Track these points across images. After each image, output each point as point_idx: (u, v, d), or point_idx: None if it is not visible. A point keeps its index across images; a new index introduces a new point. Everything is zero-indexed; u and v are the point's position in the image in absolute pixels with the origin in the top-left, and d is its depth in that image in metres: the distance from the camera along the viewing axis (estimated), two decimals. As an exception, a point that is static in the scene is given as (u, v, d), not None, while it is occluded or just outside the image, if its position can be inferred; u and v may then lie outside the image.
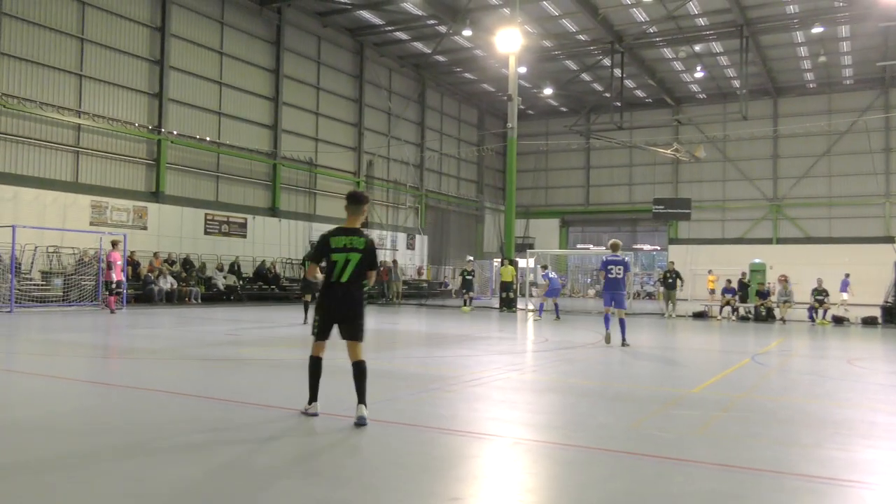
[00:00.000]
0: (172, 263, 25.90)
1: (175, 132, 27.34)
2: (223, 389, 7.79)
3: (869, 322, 21.85)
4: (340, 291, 6.12)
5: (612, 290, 13.58)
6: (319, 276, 6.45)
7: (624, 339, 13.36)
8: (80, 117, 24.37)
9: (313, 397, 6.21)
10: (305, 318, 17.08)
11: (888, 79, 38.32)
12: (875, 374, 10.91)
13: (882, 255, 33.52)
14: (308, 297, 17.28)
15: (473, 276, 27.25)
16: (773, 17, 31.92)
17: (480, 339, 15.10)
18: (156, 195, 26.64)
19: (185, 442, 5.35)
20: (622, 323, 13.51)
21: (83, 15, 24.53)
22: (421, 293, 36.27)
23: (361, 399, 6.00)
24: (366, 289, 6.35)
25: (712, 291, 34.57)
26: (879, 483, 4.75)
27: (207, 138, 28.72)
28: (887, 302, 22.29)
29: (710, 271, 35.90)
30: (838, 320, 22.25)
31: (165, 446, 5.21)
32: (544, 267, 25.40)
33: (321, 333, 6.23)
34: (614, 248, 13.96)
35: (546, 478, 4.79)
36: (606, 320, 13.80)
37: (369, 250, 6.16)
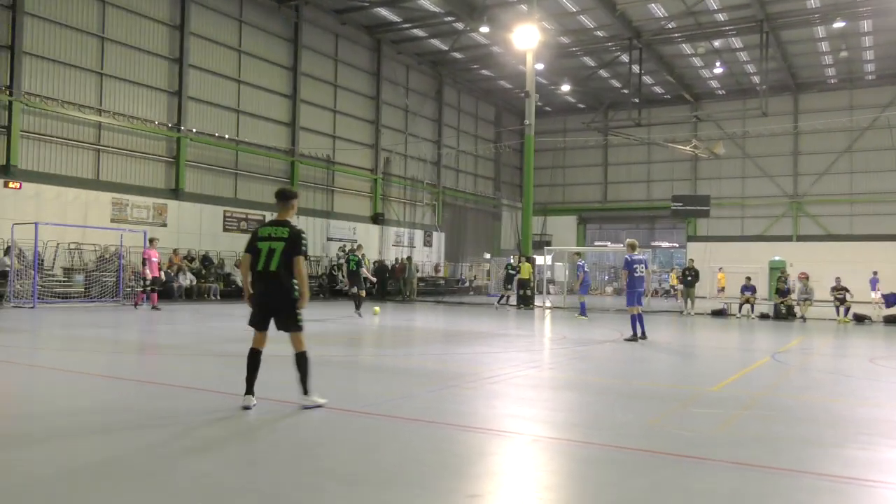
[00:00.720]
0: (192, 260, 26.10)
1: (194, 130, 27.54)
2: (238, 385, 7.82)
3: (891, 321, 21.58)
4: (267, 281, 6.28)
5: (639, 288, 14.02)
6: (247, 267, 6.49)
7: (644, 333, 13.74)
8: (100, 115, 24.61)
9: (248, 389, 6.32)
10: (358, 308, 19.05)
11: (911, 74, 37.81)
12: (898, 373, 10.77)
13: (905, 252, 33.08)
14: (355, 290, 19.29)
15: (517, 272, 26.68)
16: (793, 11, 31.56)
17: (498, 335, 15.09)
18: (175, 192, 26.85)
19: (194, 433, 5.40)
20: (641, 317, 13.82)
21: (104, 14, 24.75)
22: (438, 290, 36.30)
23: (304, 389, 6.30)
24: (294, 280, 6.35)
25: (722, 289, 34.39)
26: (903, 483, 4.69)
27: (226, 136, 28.90)
28: (910, 300, 22.00)
29: (720, 269, 35.62)
30: (859, 318, 22.00)
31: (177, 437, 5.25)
32: (578, 254, 23.61)
33: (254, 324, 6.39)
34: (634, 247, 14.25)
35: (564, 476, 4.78)
36: (639, 320, 13.89)
37: (293, 238, 6.30)
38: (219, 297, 25.50)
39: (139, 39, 25.88)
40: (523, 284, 26.27)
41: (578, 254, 23.68)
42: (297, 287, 6.33)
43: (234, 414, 6.24)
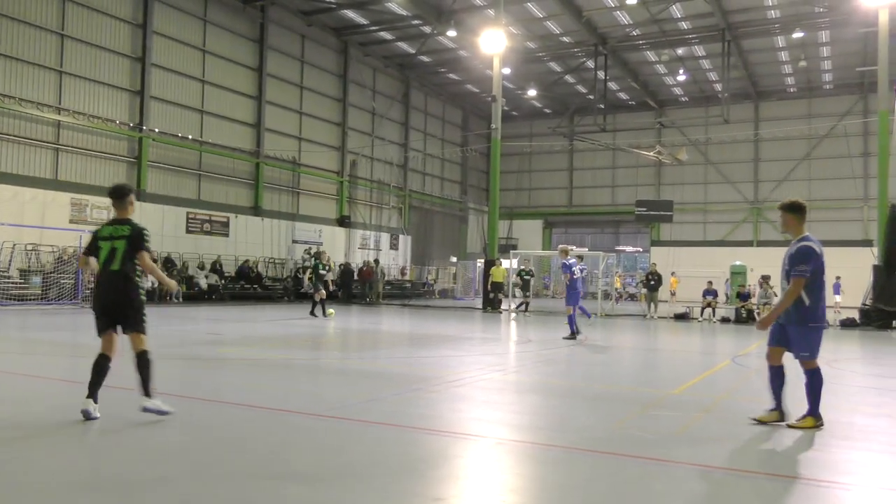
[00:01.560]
0: (154, 262, 25.67)
1: (157, 130, 27.12)
2: (202, 389, 7.74)
3: (847, 324, 22.10)
4: (109, 280, 6.02)
5: (580, 289, 15.15)
6: (94, 265, 6.16)
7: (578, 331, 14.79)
8: (60, 114, 24.10)
9: (90, 394, 5.82)
10: (312, 310, 19.42)
11: (867, 84, 38.76)
12: (853, 376, 11.04)
13: (860, 258, 33.89)
14: (318, 296, 19.34)
15: (532, 276, 26.12)
16: (754, 21, 32.23)
17: (464, 339, 15.11)
18: (137, 193, 26.35)
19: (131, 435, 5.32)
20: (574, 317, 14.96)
21: (64, 10, 24.26)
22: (404, 293, 36.24)
23: (144, 390, 5.88)
24: (139, 279, 6.14)
25: (673, 293, 35.01)
26: (856, 484, 4.80)
27: (190, 136, 28.52)
28: (865, 304, 22.56)
29: (672, 273, 36.20)
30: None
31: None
32: (581, 258, 22.47)
33: (99, 326, 6.07)
34: (567, 252, 15.14)
35: (529, 478, 4.80)
36: (573, 319, 14.83)
37: (135, 235, 6.07)
38: (181, 300, 25.13)
39: (100, 37, 25.42)
40: (497, 287, 26.36)
41: (581, 257, 22.69)
42: (142, 287, 6.13)
43: (194, 418, 6.16)
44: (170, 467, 4.65)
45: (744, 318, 23.27)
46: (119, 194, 6.31)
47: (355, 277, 32.33)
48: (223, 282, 27.93)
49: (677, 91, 43.71)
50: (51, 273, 22.14)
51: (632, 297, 43.32)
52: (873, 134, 38.70)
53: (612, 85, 41.15)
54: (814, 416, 6.37)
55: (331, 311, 19.72)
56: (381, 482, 4.46)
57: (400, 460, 5.00)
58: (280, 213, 32.72)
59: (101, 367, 5.95)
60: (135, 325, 6.01)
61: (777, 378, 6.59)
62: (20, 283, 21.70)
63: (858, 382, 10.38)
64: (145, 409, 5.82)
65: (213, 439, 5.45)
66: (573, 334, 14.46)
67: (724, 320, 23.66)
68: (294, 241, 33.22)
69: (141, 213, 25.97)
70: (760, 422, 6.46)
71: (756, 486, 4.62)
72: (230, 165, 30.52)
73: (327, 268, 20.51)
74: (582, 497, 4.33)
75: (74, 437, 5.44)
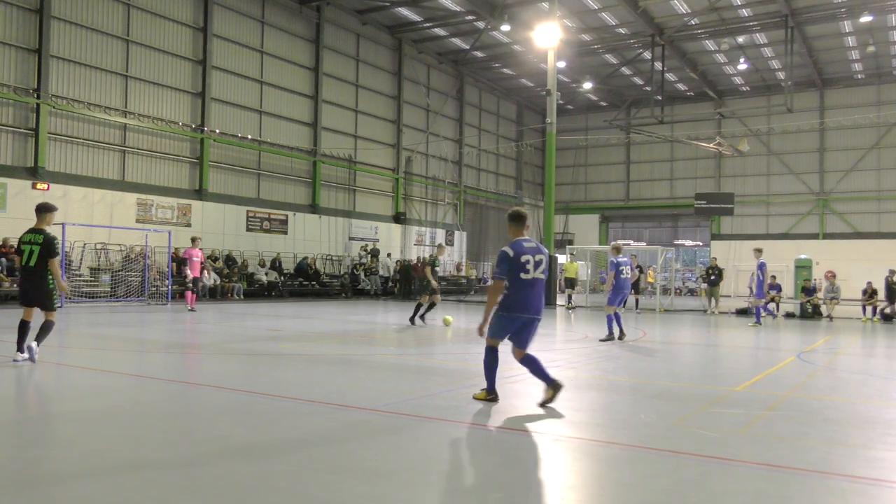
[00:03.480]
0: (215, 260, 26.35)
1: (217, 131, 27.79)
2: (260, 384, 7.90)
3: (920, 319, 21.23)
4: (27, 273, 8.58)
5: (624, 290, 14.34)
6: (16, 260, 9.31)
7: (623, 332, 13.87)
8: (126, 117, 24.92)
9: (18, 349, 8.47)
10: (413, 317, 16.94)
11: (941, 68, 37.15)
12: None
13: (934, 250, 32.50)
14: (424, 299, 16.94)
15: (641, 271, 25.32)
16: (819, 6, 31.15)
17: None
18: (199, 193, 27.11)
19: (238, 435, 5.46)
20: (619, 317, 14.06)
21: (129, 17, 25.07)
22: (460, 289, 36.30)
23: (37, 340, 8.47)
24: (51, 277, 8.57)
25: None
26: (932, 485, 4.62)
27: (249, 136, 29.13)
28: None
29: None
30: (887, 318, 21.66)
31: (211, 445, 5.31)
32: (759, 251, 19.69)
33: (23, 303, 8.75)
34: (619, 250, 14.60)
35: (587, 475, 4.76)
36: (618, 319, 13.92)
37: (47, 244, 8.50)
38: (242, 297, 25.72)
39: (163, 42, 26.17)
40: (571, 283, 26.67)
41: (759, 250, 20.82)
42: (52, 279, 8.55)
43: (252, 411, 6.31)
44: (230, 461, 4.77)
45: (809, 313, 22.58)
46: (41, 210, 8.75)
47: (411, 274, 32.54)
48: (282, 278, 28.47)
49: (738, 80, 42.56)
50: (119, 271, 22.93)
51: (691, 291, 42.47)
52: (948, 120, 37.09)
53: (670, 76, 40.35)
54: (486, 391, 6.96)
55: (448, 318, 16.81)
56: (437, 478, 4.49)
57: (457, 456, 5.01)
58: (337, 211, 33.16)
59: (23, 328, 8.60)
60: (45, 305, 8.63)
61: (504, 364, 7.17)
62: (90, 281, 22.54)
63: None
64: (29, 348, 8.36)
65: (270, 433, 5.56)
66: (610, 335, 13.74)
67: (789, 315, 23.00)
68: (350, 238, 33.64)
69: (203, 212, 26.76)
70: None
71: (824, 486, 4.48)
72: (288, 164, 31.06)
73: (439, 263, 17.76)
74: (641, 495, 4.28)
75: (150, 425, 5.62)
